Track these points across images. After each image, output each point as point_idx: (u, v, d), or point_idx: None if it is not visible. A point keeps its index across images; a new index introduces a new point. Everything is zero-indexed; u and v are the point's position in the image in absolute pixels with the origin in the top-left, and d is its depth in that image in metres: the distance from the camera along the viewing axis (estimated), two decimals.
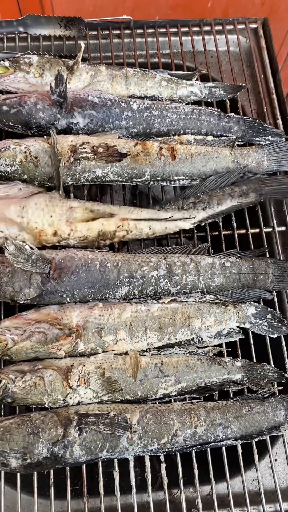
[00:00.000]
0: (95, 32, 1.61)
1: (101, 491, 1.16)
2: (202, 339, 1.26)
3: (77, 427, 1.08)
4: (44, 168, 1.27)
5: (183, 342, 1.25)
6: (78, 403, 1.14)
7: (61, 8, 2.04)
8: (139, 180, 1.34)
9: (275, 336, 1.29)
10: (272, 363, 1.28)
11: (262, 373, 1.25)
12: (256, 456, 1.20)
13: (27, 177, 1.28)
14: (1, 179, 1.29)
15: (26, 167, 1.26)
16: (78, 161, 1.26)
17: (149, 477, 1.17)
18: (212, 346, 1.27)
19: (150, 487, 1.16)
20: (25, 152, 1.26)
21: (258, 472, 1.20)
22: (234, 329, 1.29)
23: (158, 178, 1.35)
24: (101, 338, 1.17)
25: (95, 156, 1.27)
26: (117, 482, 1.15)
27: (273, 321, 1.29)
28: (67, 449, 1.07)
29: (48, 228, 1.23)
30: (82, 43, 1.40)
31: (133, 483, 1.15)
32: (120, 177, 1.32)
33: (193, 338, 1.25)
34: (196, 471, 1.18)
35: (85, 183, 1.32)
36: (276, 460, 1.26)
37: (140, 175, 1.33)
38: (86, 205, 1.26)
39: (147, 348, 1.22)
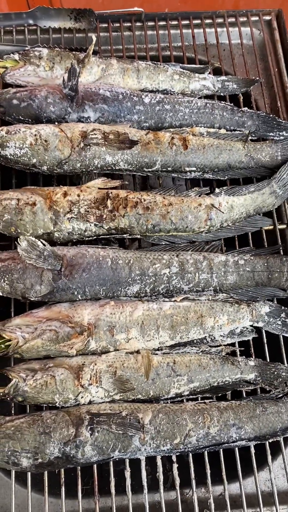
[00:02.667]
0: (106, 25, 1.58)
1: (113, 490, 1.15)
2: (214, 338, 1.24)
3: (89, 427, 1.07)
4: (54, 152, 1.24)
5: (195, 341, 1.23)
6: (90, 402, 1.13)
7: (70, 0, 2.01)
8: (150, 170, 1.32)
9: None
10: (286, 362, 1.26)
11: (275, 372, 1.23)
12: (269, 457, 1.19)
13: (36, 160, 1.25)
14: (10, 163, 1.27)
15: (36, 150, 1.24)
16: (89, 146, 1.25)
17: (161, 477, 1.15)
18: (225, 345, 1.25)
19: (162, 486, 1.15)
20: (35, 135, 1.24)
21: (271, 473, 1.18)
22: (247, 328, 1.27)
23: (169, 169, 1.33)
24: (112, 337, 1.16)
25: (106, 143, 1.25)
26: (128, 481, 1.14)
27: (287, 320, 1.27)
28: (78, 449, 1.06)
29: (58, 189, 1.22)
30: (93, 36, 1.37)
31: (144, 483, 1.14)
32: (131, 165, 1.30)
33: (205, 337, 1.23)
34: (208, 471, 1.17)
35: (95, 170, 1.29)
36: None
37: (151, 164, 1.31)
38: None
39: (159, 347, 1.20)
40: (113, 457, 1.09)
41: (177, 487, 1.15)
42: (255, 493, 1.18)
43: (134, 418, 1.09)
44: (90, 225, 1.22)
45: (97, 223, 1.22)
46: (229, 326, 1.24)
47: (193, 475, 1.16)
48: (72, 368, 1.12)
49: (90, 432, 1.07)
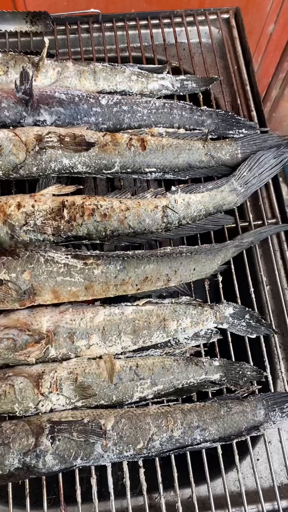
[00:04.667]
0: (63, 27, 1.56)
1: (79, 499, 1.13)
2: (179, 341, 1.23)
3: (50, 436, 1.05)
4: (8, 157, 1.22)
5: (159, 345, 1.21)
6: (51, 410, 1.11)
7: (34, 4, 1.98)
8: (109, 172, 1.31)
9: (254, 336, 1.27)
10: (251, 361, 1.25)
11: (240, 372, 1.23)
12: (236, 457, 1.18)
13: None
14: None
15: None
16: (44, 150, 1.23)
17: (128, 483, 1.13)
18: (189, 347, 1.24)
19: (129, 492, 1.13)
20: None
21: (239, 473, 1.17)
22: (212, 330, 1.26)
23: (128, 170, 1.32)
24: (73, 343, 1.14)
25: (62, 145, 1.24)
26: (94, 489, 1.12)
27: (251, 321, 1.26)
28: (39, 459, 1.04)
29: (12, 200, 1.20)
30: (46, 39, 1.36)
31: (111, 490, 1.12)
32: (89, 168, 1.28)
33: (169, 340, 1.22)
34: (175, 474, 1.15)
35: (53, 174, 1.28)
36: (258, 459, 1.24)
37: (109, 166, 1.29)
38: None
39: (121, 352, 1.18)
40: (75, 465, 1.07)
41: (144, 492, 1.14)
42: (224, 494, 1.17)
43: (96, 425, 1.08)
44: (48, 236, 1.21)
45: (54, 233, 1.20)
46: (193, 329, 1.23)
47: (160, 479, 1.15)
48: (32, 376, 1.11)
49: (50, 440, 1.05)
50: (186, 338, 1.23)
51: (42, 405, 1.10)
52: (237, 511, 1.17)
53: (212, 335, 1.25)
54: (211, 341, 1.25)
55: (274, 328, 1.29)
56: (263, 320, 1.26)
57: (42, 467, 1.05)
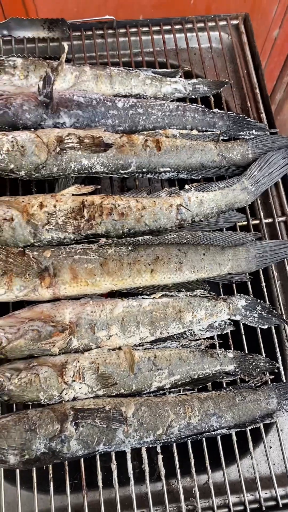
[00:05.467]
0: (79, 33, 1.62)
1: (100, 484, 1.18)
2: (194, 332, 1.28)
3: (73, 422, 1.10)
4: (31, 157, 1.28)
5: (175, 336, 1.27)
6: (74, 399, 1.16)
7: (45, 10, 2.05)
8: (126, 171, 1.36)
9: (266, 327, 1.32)
10: (263, 353, 1.30)
11: (254, 363, 1.28)
12: (250, 444, 1.23)
13: (13, 166, 1.28)
14: None
15: (13, 155, 1.27)
16: (65, 151, 1.28)
17: (147, 469, 1.19)
18: (204, 338, 1.29)
19: (148, 478, 1.18)
20: (12, 141, 1.27)
21: (253, 459, 1.22)
22: (225, 322, 1.31)
23: (144, 170, 1.38)
24: (94, 334, 1.19)
25: (81, 146, 1.29)
26: (115, 474, 1.17)
27: (263, 313, 1.31)
28: (64, 444, 1.09)
29: (34, 200, 1.25)
30: (65, 44, 1.42)
31: (131, 475, 1.17)
32: (107, 168, 1.34)
33: (185, 331, 1.27)
34: (192, 461, 1.20)
35: (72, 174, 1.33)
36: (270, 447, 1.28)
37: (126, 166, 1.35)
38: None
39: (140, 343, 1.24)
40: (98, 450, 1.12)
41: (163, 478, 1.19)
42: (239, 480, 1.22)
43: (117, 412, 1.13)
44: (69, 234, 1.26)
45: (74, 231, 1.26)
46: (207, 320, 1.28)
47: (177, 465, 1.20)
48: (56, 366, 1.16)
49: (74, 427, 1.10)
50: (200, 330, 1.28)
51: (66, 394, 1.15)
52: (251, 496, 1.22)
53: (226, 326, 1.30)
54: (224, 332, 1.30)
55: (286, 314, 1.34)
56: (274, 311, 1.31)
57: (66, 452, 1.10)
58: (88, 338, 1.19)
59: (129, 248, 1.26)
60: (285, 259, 1.40)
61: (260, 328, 1.32)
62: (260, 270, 1.38)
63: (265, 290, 1.36)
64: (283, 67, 2.61)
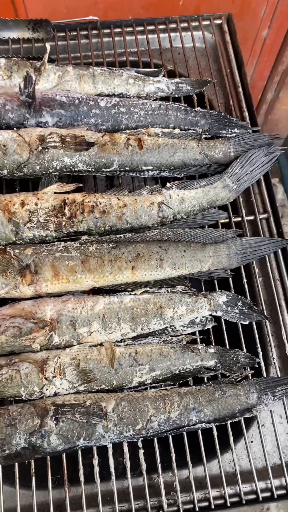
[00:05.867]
0: (63, 34, 1.64)
1: (81, 479, 1.19)
2: (175, 328, 1.29)
3: (54, 417, 1.11)
4: (13, 156, 1.29)
5: (157, 332, 1.28)
6: (55, 394, 1.17)
7: (35, 12, 2.06)
8: (108, 170, 1.38)
9: (247, 322, 1.33)
10: (244, 348, 1.32)
11: (234, 358, 1.29)
12: (231, 439, 1.24)
13: None
14: None
15: None
16: (47, 149, 1.30)
17: (128, 464, 1.20)
18: (185, 334, 1.30)
19: (129, 473, 1.20)
20: None
21: (233, 454, 1.23)
22: (206, 318, 1.32)
23: (127, 168, 1.39)
24: (75, 331, 1.21)
25: (63, 145, 1.31)
26: (96, 469, 1.18)
27: (244, 308, 1.33)
28: (44, 439, 1.11)
29: (16, 199, 1.27)
30: (47, 45, 1.43)
31: (112, 470, 1.18)
32: (89, 166, 1.35)
33: (166, 327, 1.28)
34: (173, 456, 1.21)
35: (55, 172, 1.34)
36: (252, 441, 1.30)
37: (108, 164, 1.36)
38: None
39: (121, 339, 1.25)
40: (78, 445, 1.14)
41: (144, 473, 1.20)
42: (220, 474, 1.23)
43: (97, 407, 1.14)
44: (50, 232, 1.28)
45: (56, 229, 1.27)
46: (188, 316, 1.29)
47: (158, 460, 1.21)
48: (37, 362, 1.17)
49: (55, 422, 1.11)
50: (182, 326, 1.29)
51: (47, 389, 1.16)
52: (232, 489, 1.24)
53: (207, 322, 1.31)
54: (206, 328, 1.31)
55: (266, 311, 1.35)
56: (254, 307, 1.32)
57: (47, 447, 1.11)
58: (69, 334, 1.20)
59: (111, 245, 1.28)
60: (267, 256, 1.42)
61: (241, 323, 1.34)
62: (242, 266, 1.39)
63: (246, 286, 1.37)
64: (273, 66, 2.62)
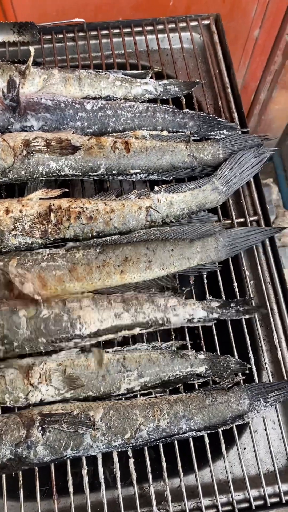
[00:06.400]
0: (49, 36, 1.62)
1: (71, 489, 1.16)
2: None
3: (40, 427, 1.09)
4: None
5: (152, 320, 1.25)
6: (41, 401, 1.15)
7: (24, 15, 2.04)
8: (95, 174, 1.35)
9: (247, 317, 1.31)
10: (236, 354, 1.29)
11: (225, 364, 1.26)
12: (223, 446, 1.22)
13: None
14: None
15: None
16: (32, 154, 1.28)
17: (118, 473, 1.17)
18: (175, 340, 1.28)
19: (119, 482, 1.17)
20: None
21: (225, 461, 1.21)
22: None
23: (114, 172, 1.37)
24: None
25: (48, 149, 1.29)
26: (86, 480, 1.16)
27: (238, 307, 1.31)
28: (30, 450, 1.08)
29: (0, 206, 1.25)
30: (32, 48, 1.41)
31: (101, 480, 1.16)
32: (75, 170, 1.33)
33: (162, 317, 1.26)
34: (164, 464, 1.19)
35: (41, 177, 1.32)
36: (245, 448, 1.27)
37: (95, 168, 1.34)
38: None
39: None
40: (66, 455, 1.11)
41: (134, 482, 1.18)
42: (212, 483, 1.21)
43: (85, 416, 1.12)
44: (36, 239, 1.25)
45: (42, 236, 1.25)
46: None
47: (149, 469, 1.19)
48: (22, 368, 1.15)
49: (41, 432, 1.09)
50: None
51: (32, 396, 1.14)
52: (224, 498, 1.21)
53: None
54: (207, 324, 1.30)
55: (257, 314, 1.33)
56: (248, 301, 1.31)
57: (33, 458, 1.09)
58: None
59: (97, 250, 1.26)
60: (258, 259, 1.40)
61: (232, 328, 1.31)
62: (232, 270, 1.37)
63: (237, 290, 1.35)
64: (265, 66, 2.61)
